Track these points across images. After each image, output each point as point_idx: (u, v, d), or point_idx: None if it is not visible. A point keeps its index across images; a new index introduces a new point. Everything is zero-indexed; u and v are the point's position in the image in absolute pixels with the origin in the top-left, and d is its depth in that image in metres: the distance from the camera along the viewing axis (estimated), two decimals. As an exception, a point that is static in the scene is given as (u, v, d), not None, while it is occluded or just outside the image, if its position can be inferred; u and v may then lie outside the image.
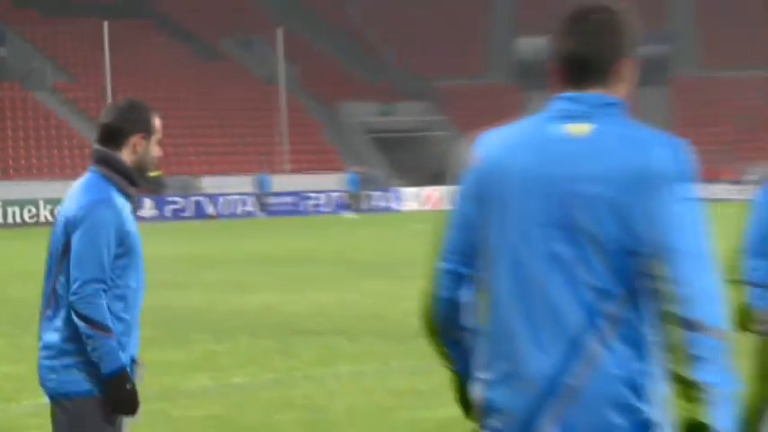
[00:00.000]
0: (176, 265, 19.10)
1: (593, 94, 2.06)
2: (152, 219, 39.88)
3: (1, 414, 7.65)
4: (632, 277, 1.95)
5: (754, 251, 5.47)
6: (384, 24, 61.22)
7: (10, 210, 41.26)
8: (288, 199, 46.41)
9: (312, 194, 46.72)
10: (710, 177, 39.37)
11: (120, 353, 3.45)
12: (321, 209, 46.02)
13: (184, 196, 45.34)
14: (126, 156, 3.55)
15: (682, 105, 55.46)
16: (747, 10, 57.79)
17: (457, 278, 2.14)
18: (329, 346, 10.20)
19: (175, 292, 14.53)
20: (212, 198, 45.36)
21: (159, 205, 43.23)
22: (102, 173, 3.57)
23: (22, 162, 46.84)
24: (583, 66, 2.06)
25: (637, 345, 1.96)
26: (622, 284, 1.95)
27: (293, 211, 44.93)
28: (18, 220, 41.12)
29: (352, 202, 43.85)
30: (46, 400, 3.82)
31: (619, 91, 2.10)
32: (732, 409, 1.92)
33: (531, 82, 53.90)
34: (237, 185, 45.95)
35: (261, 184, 44.93)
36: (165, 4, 58.72)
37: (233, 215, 44.37)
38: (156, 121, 3.66)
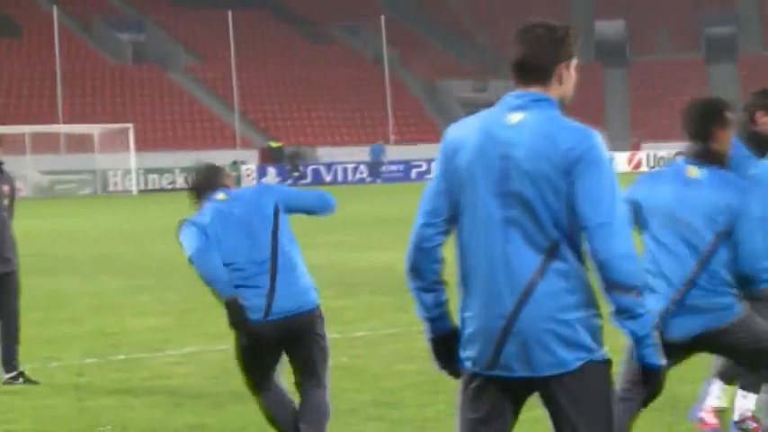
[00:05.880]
0: (296, 228, 22.38)
1: (530, 92, 2.45)
2: (275, 186, 44.12)
3: (148, 362, 7.89)
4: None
5: None
6: (477, 11, 65.37)
7: (150, 177, 47.19)
8: (397, 167, 50.41)
9: (418, 162, 49.06)
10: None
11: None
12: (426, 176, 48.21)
13: (304, 165, 49.36)
14: None
15: (747, 82, 58.15)
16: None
17: (431, 232, 2.51)
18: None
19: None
20: (329, 167, 49.57)
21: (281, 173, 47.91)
22: None
23: (159, 134, 51.77)
24: (525, 69, 2.47)
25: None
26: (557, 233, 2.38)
27: (402, 179, 47.94)
28: (157, 186, 46.94)
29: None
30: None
31: (555, 90, 2.46)
32: (652, 345, 2.44)
33: (609, 60, 58.83)
34: (351, 155, 50.13)
35: (376, 153, 49.44)
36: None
37: (346, 182, 48.19)
38: None
